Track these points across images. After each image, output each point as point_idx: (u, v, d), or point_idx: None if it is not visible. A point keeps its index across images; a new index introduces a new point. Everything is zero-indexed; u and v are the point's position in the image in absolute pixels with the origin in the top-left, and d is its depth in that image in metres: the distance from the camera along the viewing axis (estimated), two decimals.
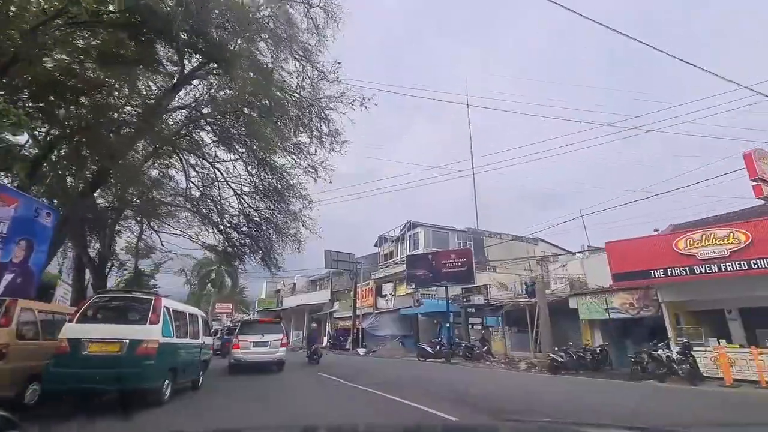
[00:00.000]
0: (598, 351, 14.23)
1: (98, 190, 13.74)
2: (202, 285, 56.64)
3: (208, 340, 11.22)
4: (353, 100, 11.78)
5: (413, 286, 21.01)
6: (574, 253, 36.13)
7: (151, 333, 6.49)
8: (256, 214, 17.02)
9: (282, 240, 17.58)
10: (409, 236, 29.18)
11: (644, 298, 13.55)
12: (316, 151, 14.75)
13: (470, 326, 20.15)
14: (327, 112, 12.50)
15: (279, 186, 15.82)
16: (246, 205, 16.50)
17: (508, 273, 25.08)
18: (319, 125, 13.57)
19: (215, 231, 17.40)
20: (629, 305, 13.96)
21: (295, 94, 12.12)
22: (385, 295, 27.58)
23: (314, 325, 30.22)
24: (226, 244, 17.77)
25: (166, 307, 7.21)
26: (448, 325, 18.90)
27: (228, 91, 13.13)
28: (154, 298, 7.13)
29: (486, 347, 16.96)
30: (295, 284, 40.97)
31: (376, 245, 32.56)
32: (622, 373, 13.31)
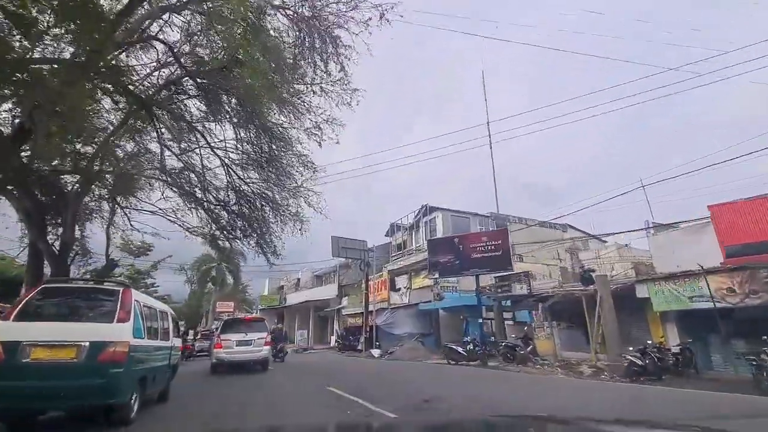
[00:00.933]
0: (679, 351, 11.13)
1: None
2: (203, 283, 53.80)
3: (178, 343, 9.14)
4: (369, 19, 8.63)
5: (436, 276, 17.92)
6: (605, 241, 32.96)
7: (120, 333, 5.24)
8: (248, 188, 14.01)
9: (281, 220, 14.56)
10: (425, 222, 26.08)
11: (751, 281, 10.37)
12: (318, 105, 11.67)
13: (479, 322, 17.14)
14: (335, 32, 9.38)
15: (275, 151, 12.79)
16: (235, 177, 13.49)
17: (533, 262, 22.01)
18: (324, 64, 10.47)
19: (200, 210, 14.43)
20: (727, 291, 10.78)
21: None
22: (399, 289, 24.52)
23: (280, 325, 27.55)
24: (213, 226, 14.79)
25: (138, 301, 5.92)
26: (480, 320, 15.83)
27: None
28: (122, 289, 5.75)
29: (530, 347, 13.86)
30: (299, 279, 38.04)
31: (387, 235, 29.47)
32: (724, 380, 10.19)
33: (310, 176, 13.63)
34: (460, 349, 14.20)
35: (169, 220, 13.91)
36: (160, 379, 7.10)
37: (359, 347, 21.35)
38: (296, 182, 14.02)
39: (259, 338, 12.09)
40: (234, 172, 13.44)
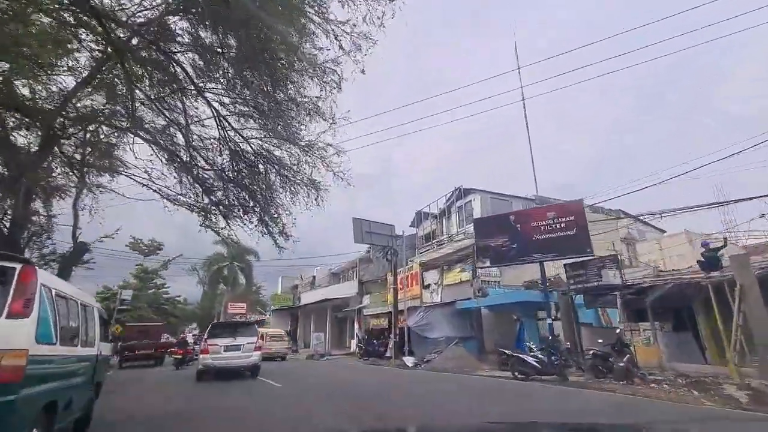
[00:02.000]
0: None
1: None
2: (214, 283, 51.17)
3: (107, 349, 6.74)
4: None
5: (486, 265, 14.28)
6: (663, 230, 28.70)
7: (13, 336, 3.28)
8: (247, 146, 10.74)
9: (290, 188, 11.25)
10: (459, 207, 22.45)
11: None
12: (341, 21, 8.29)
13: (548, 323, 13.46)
14: None
15: (281, 93, 9.48)
16: (230, 129, 10.22)
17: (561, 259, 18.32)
18: None
19: (188, 177, 11.22)
20: None
21: None
22: (429, 286, 20.97)
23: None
24: (205, 199, 11.55)
25: (46, 288, 3.79)
26: (550, 321, 12.11)
27: None
28: (19, 267, 3.55)
29: (626, 356, 10.09)
30: (314, 278, 34.80)
31: (412, 225, 25.90)
32: None
33: (330, 125, 10.28)
34: (530, 359, 10.52)
35: (140, 183, 10.67)
36: (78, 403, 4.90)
37: (387, 353, 17.87)
38: (307, 134, 10.73)
39: (248, 343, 11.29)
40: (228, 123, 10.16)
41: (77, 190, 11.69)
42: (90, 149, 11.24)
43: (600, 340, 10.91)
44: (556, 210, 12.54)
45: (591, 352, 10.36)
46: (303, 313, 31.62)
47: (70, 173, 11.41)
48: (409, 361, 15.18)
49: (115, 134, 10.93)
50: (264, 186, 11.04)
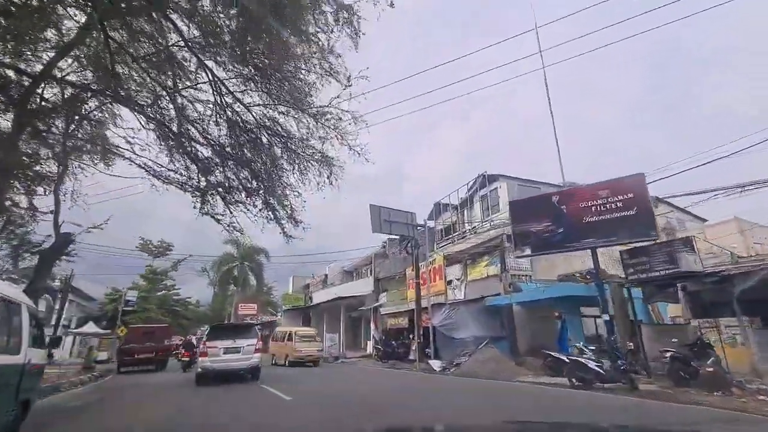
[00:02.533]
0: None
1: None
2: (224, 284, 50.05)
3: (37, 357, 4.96)
4: None
5: (526, 253, 12.44)
6: (704, 219, 26.39)
7: None
8: (248, 115, 9.17)
9: (299, 164, 9.64)
10: (483, 196, 20.64)
11: None
12: None
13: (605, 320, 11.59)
14: None
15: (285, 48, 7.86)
16: (227, 94, 8.65)
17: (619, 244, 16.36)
18: None
19: (179, 153, 9.69)
20: None
21: None
22: (450, 282, 19.20)
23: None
24: (202, 180, 10.01)
25: None
26: (607, 317, 10.21)
27: None
28: None
29: (711, 358, 8.20)
30: (326, 275, 33.25)
31: (429, 218, 24.13)
32: None
33: (345, 88, 8.61)
34: (592, 364, 8.67)
35: (124, 157, 9.18)
36: None
37: (411, 356, 16.14)
38: (318, 100, 9.09)
39: (248, 345, 11.10)
40: (226, 88, 8.59)
41: (59, 172, 10.28)
42: (71, 123, 9.81)
43: (674, 340, 9.01)
44: (611, 187, 10.65)
45: (668, 354, 8.46)
46: (315, 314, 30.07)
47: (50, 154, 10.00)
48: (435, 364, 13.43)
49: (98, 103, 9.47)
50: (268, 162, 9.45)
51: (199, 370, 10.99)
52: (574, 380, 8.84)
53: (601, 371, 8.55)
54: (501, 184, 19.55)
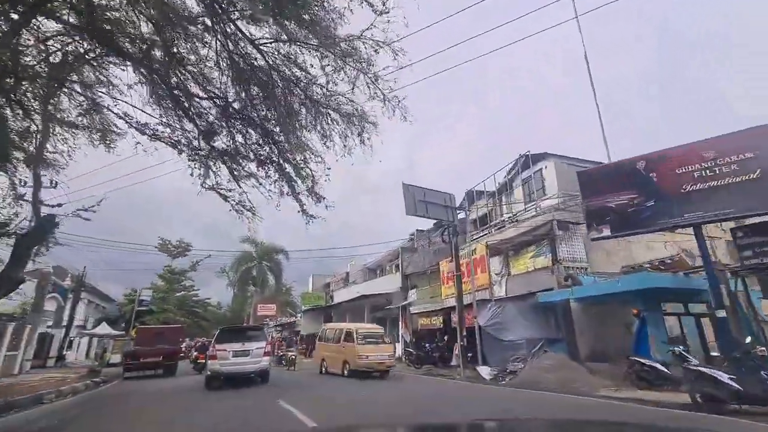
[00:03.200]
0: None
1: None
2: (243, 285, 48.80)
3: None
4: None
5: (602, 234, 9.96)
6: None
7: None
8: (258, 55, 7.22)
9: (321, 121, 7.63)
10: (525, 179, 18.28)
11: None
12: None
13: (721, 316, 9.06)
14: None
15: None
16: (228, 22, 6.71)
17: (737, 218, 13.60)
18: None
19: (174, 110, 7.82)
20: None
21: None
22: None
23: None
24: (200, 140, 8.12)
25: None
26: (723, 314, 7.78)
27: None
28: None
29: None
30: (347, 273, 31.34)
31: (459, 208, 21.82)
32: None
33: (379, 15, 6.54)
34: (724, 378, 6.28)
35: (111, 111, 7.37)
36: None
37: (452, 361, 13.90)
38: (347, 41, 7.06)
39: (257, 348, 11.08)
40: (226, 15, 6.64)
41: (37, 146, 8.61)
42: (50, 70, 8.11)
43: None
44: (721, 145, 8.19)
45: None
46: (337, 314, 28.15)
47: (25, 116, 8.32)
48: (484, 371, 11.16)
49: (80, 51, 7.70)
50: (284, 117, 7.46)
51: (208, 373, 10.96)
52: (698, 398, 6.46)
53: (740, 388, 6.14)
54: (547, 163, 17.13)
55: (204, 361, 16.18)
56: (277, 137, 7.62)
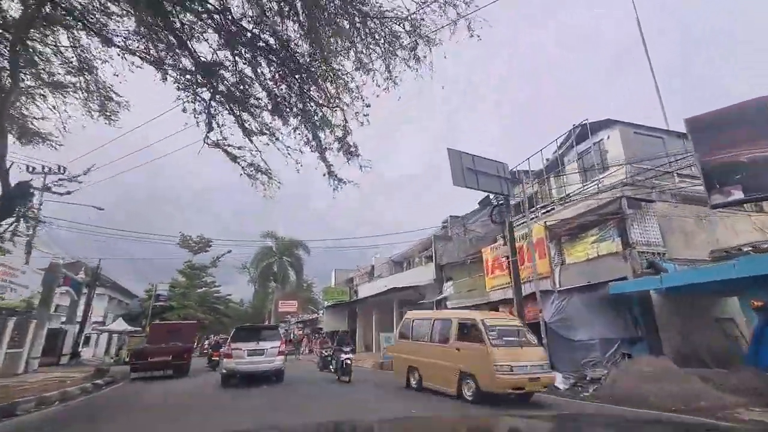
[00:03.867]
0: None
1: None
2: (264, 281, 47.59)
3: None
4: None
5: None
6: None
7: None
8: None
9: (359, 39, 5.54)
10: (582, 152, 15.75)
11: None
12: None
13: None
14: None
15: None
16: None
17: None
18: None
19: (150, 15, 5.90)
20: None
21: None
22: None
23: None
24: (199, 74, 6.20)
25: None
26: None
27: None
28: None
29: None
30: (372, 267, 29.38)
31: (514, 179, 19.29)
32: None
33: None
34: None
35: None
36: None
37: None
38: None
39: (272, 347, 11.05)
40: None
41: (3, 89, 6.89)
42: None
43: None
44: None
45: None
46: (362, 310, 26.27)
47: None
48: (558, 380, 8.88)
49: None
50: (306, 35, 5.42)
51: (224, 371, 10.99)
52: None
53: None
54: (610, 132, 14.56)
55: (218, 358, 16.51)
56: (299, 61, 5.58)
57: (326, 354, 14.70)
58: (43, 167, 17.66)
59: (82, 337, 21.25)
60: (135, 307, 39.92)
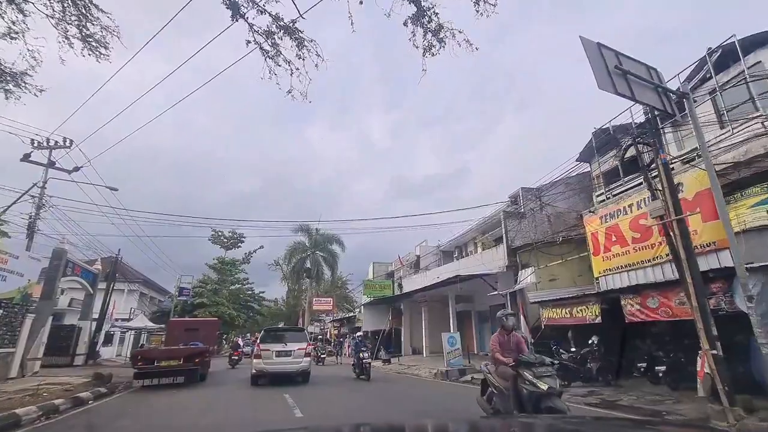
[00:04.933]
0: None
1: None
2: (296, 277, 44.97)
3: None
4: None
5: None
6: None
7: None
8: None
9: None
10: (724, 84, 11.36)
11: None
12: None
13: None
14: None
15: None
16: None
17: None
18: None
19: None
20: None
21: None
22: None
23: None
24: None
25: None
26: None
27: None
28: None
29: None
30: (418, 257, 25.71)
31: (579, 159, 15.24)
32: None
33: None
34: None
35: None
36: None
37: (665, 380, 7.58)
38: None
39: (298, 349, 11.45)
40: None
41: None
42: None
43: None
44: None
45: None
46: (409, 307, 22.73)
47: None
48: None
49: None
50: None
51: (254, 371, 11.27)
52: None
53: None
54: None
55: (238, 357, 19.68)
56: None
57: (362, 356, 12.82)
58: (48, 140, 15.47)
59: (101, 336, 19.12)
60: (168, 304, 38.40)
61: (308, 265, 43.06)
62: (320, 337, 40.23)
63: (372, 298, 25.80)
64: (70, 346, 17.01)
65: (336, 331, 45.09)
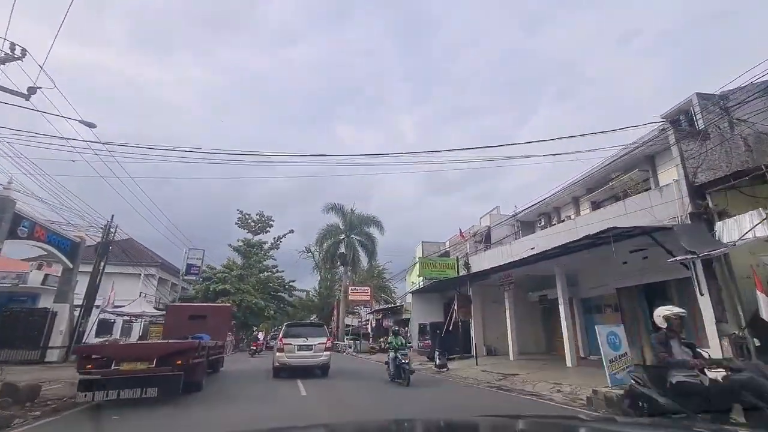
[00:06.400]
0: None
1: None
2: (330, 265, 39.87)
3: None
4: None
5: None
6: None
7: None
8: None
9: None
10: None
11: None
12: None
13: None
14: None
15: None
16: None
17: None
18: None
19: None
20: None
21: None
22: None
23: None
24: None
25: None
26: None
27: None
28: None
29: None
30: (488, 228, 19.90)
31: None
32: None
33: None
34: None
35: None
36: None
37: None
38: None
39: (319, 343, 11.96)
40: None
41: None
42: None
43: None
44: None
45: None
46: (481, 293, 17.10)
47: None
48: None
49: None
50: None
51: (276, 364, 11.60)
52: None
53: None
54: None
55: (257, 348, 22.98)
56: None
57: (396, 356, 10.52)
58: None
59: (90, 323, 14.89)
60: (189, 291, 34.66)
61: (343, 249, 37.98)
62: (396, 329, 35.38)
63: (425, 282, 20.31)
64: (41, 337, 12.72)
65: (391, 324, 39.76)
